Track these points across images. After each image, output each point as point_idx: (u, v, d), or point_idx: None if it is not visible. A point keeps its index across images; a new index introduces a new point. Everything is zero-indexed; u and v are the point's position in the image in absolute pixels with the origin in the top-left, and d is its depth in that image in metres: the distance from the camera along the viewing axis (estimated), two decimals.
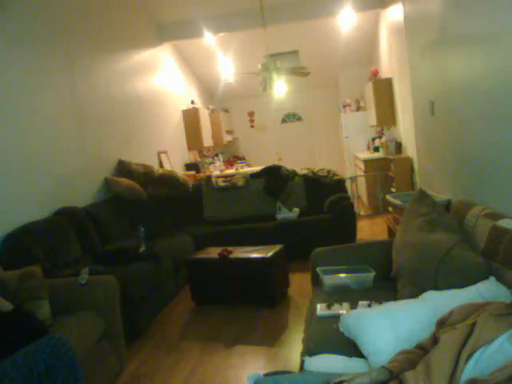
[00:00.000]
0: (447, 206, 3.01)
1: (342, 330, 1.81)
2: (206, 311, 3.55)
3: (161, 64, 6.68)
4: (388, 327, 1.67)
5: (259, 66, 5.66)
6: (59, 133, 3.87)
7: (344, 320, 1.81)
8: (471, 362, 1.17)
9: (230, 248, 3.65)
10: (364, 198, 6.94)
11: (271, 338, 2.93)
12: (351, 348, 1.72)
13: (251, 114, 9.67)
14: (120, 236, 4.06)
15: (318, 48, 7.50)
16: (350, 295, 2.26)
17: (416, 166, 5.04)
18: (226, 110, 9.44)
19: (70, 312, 2.40)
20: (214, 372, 2.58)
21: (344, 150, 8.26)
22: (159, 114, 6.33)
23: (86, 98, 4.39)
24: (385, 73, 6.80)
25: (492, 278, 1.82)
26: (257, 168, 6.68)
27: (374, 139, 7.35)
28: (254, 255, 3.49)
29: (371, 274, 2.39)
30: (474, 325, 1.25)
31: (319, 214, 4.71)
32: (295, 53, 7.69)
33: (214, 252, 3.67)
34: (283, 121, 9.71)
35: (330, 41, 7.26)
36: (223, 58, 7.66)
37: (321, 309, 2.14)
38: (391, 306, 1.82)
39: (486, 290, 1.73)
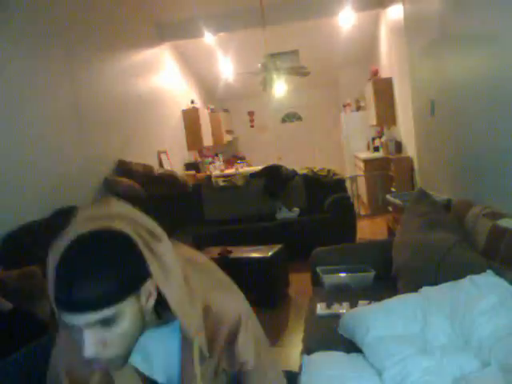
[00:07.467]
0: (447, 205, 3.01)
1: (340, 331, 1.82)
2: None
3: (161, 64, 6.68)
4: (382, 319, 1.69)
5: (259, 66, 5.66)
6: (59, 132, 3.87)
7: (342, 321, 1.83)
8: None
9: (230, 248, 3.64)
10: (364, 197, 6.93)
11: (271, 337, 2.89)
12: (351, 347, 1.73)
13: (251, 113, 9.67)
14: None
15: (318, 48, 7.49)
16: (349, 295, 2.26)
17: (416, 165, 5.04)
18: (226, 110, 9.44)
19: None
20: None
21: (344, 149, 8.25)
22: (159, 113, 6.33)
23: (85, 97, 4.39)
24: (385, 73, 6.80)
25: (489, 271, 1.82)
26: (257, 168, 6.67)
27: (373, 139, 7.35)
28: (254, 255, 3.49)
29: (371, 274, 2.39)
30: None
31: (319, 213, 4.71)
32: (295, 53, 7.69)
33: (214, 252, 3.66)
34: (283, 121, 9.70)
35: (330, 41, 7.26)
36: (223, 57, 7.65)
37: (321, 308, 2.14)
38: (386, 301, 1.85)
39: (480, 280, 1.74)
